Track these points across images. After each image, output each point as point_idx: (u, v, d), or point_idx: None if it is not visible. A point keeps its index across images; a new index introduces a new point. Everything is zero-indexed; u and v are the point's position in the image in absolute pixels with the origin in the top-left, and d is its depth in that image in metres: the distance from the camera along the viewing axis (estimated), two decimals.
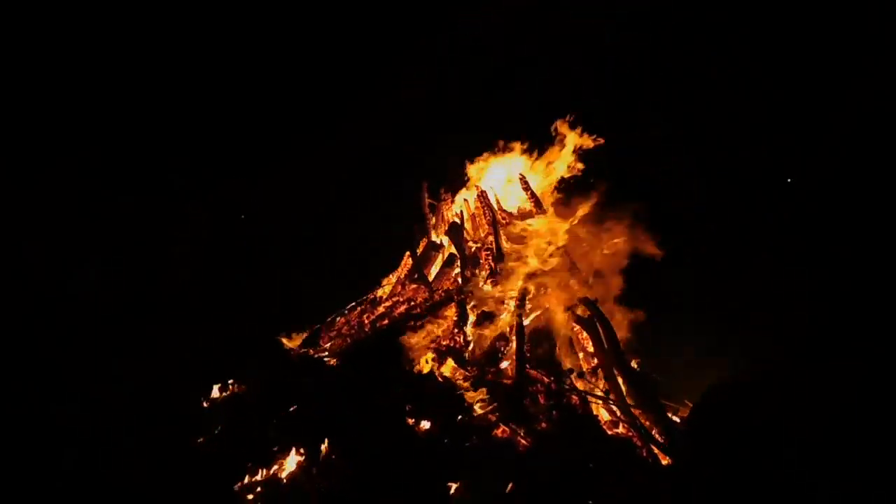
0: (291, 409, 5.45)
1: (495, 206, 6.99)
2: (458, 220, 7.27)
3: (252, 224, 9.93)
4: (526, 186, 6.89)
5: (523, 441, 4.91)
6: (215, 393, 6.11)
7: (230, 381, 6.24)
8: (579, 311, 5.93)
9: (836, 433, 3.47)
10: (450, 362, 5.73)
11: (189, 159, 10.16)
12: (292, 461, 5.12)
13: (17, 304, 7.55)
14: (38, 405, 5.98)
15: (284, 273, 8.79)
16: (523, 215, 6.89)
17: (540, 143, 7.26)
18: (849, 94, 8.55)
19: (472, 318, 6.16)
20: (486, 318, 6.06)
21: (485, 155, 7.55)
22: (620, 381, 5.48)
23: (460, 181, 7.56)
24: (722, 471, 3.06)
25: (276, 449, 5.17)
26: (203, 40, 10.13)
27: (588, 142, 6.78)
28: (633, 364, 5.88)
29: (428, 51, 10.36)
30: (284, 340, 6.91)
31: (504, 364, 5.81)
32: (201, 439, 5.53)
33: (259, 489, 4.92)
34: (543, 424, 5.00)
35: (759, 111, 8.99)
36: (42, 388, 6.32)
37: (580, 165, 6.92)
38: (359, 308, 7.20)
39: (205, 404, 6.04)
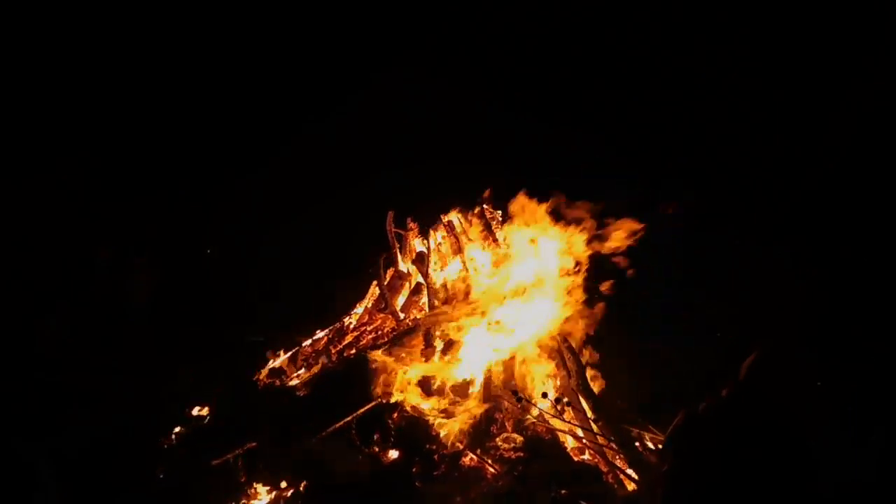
0: (257, 441, 5.47)
1: (461, 234, 7.01)
2: (424, 250, 7.30)
3: (215, 252, 9.88)
4: (482, 216, 6.93)
5: (491, 468, 4.97)
6: (177, 427, 6.16)
7: (195, 412, 6.30)
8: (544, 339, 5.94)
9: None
10: (416, 391, 5.78)
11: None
12: (260, 492, 5.18)
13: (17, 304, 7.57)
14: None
15: (247, 298, 8.77)
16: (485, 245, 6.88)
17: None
18: (849, 94, 8.55)
19: (439, 346, 6.17)
20: (452, 347, 6.06)
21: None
22: (586, 406, 5.50)
23: (427, 210, 7.56)
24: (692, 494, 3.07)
25: (243, 481, 5.23)
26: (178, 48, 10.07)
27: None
28: (596, 389, 5.89)
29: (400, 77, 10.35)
30: (255, 373, 6.92)
31: (471, 391, 5.85)
32: (163, 475, 5.56)
33: None
34: (510, 451, 5.05)
35: (759, 111, 8.99)
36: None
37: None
38: (325, 338, 7.24)
39: (171, 437, 6.08)
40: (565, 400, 5.52)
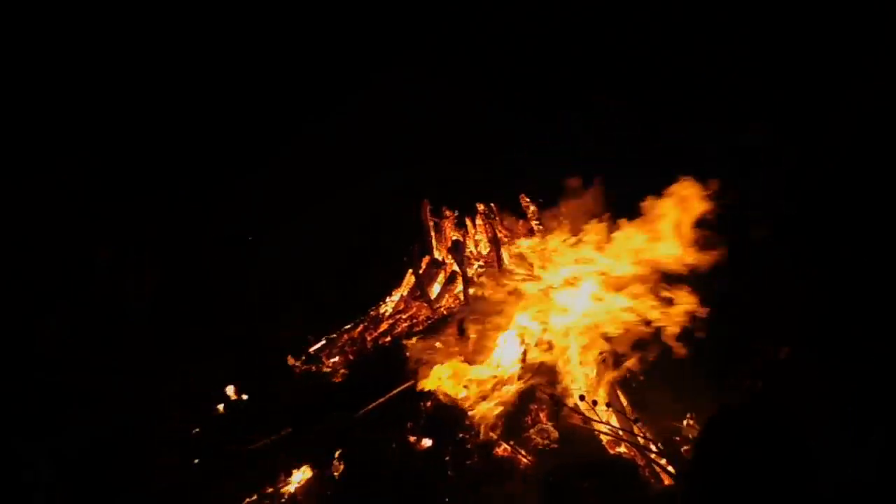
0: (292, 427, 5.53)
1: (497, 224, 7.05)
2: (459, 238, 7.34)
3: (253, 239, 9.88)
4: (527, 205, 6.94)
5: (524, 459, 4.98)
6: (219, 408, 6.20)
7: (232, 397, 6.33)
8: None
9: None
10: (450, 380, 5.78)
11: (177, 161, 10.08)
12: (296, 477, 5.20)
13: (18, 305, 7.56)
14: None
15: (283, 287, 8.78)
16: (526, 234, 6.92)
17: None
18: (849, 94, 8.55)
19: (472, 336, 6.17)
20: (487, 336, 6.09)
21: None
22: (623, 399, 5.53)
23: (462, 198, 7.61)
24: (726, 490, 3.07)
25: (278, 465, 5.26)
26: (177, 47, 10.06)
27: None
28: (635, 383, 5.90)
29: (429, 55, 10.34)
30: (289, 359, 6.98)
31: (505, 381, 5.84)
32: (198, 460, 5.59)
33: None
34: (544, 443, 5.08)
35: (760, 111, 8.98)
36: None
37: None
38: (361, 325, 7.28)
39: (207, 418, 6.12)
40: (602, 390, 5.56)
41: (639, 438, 5.36)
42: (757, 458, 3.10)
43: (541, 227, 6.90)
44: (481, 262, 7.12)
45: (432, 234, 7.67)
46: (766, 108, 8.95)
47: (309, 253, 9.12)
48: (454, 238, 7.56)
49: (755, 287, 7.75)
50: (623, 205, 6.48)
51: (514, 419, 5.42)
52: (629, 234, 6.19)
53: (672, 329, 5.80)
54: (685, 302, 5.84)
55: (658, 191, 6.39)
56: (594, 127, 9.33)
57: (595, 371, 5.86)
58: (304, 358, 7.01)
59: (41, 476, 5.25)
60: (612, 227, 6.33)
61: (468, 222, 7.49)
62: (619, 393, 5.64)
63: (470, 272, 7.03)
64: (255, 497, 5.10)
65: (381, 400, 5.54)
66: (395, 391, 5.60)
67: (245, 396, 6.46)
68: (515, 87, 10.39)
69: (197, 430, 6.12)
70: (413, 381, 5.71)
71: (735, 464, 3.17)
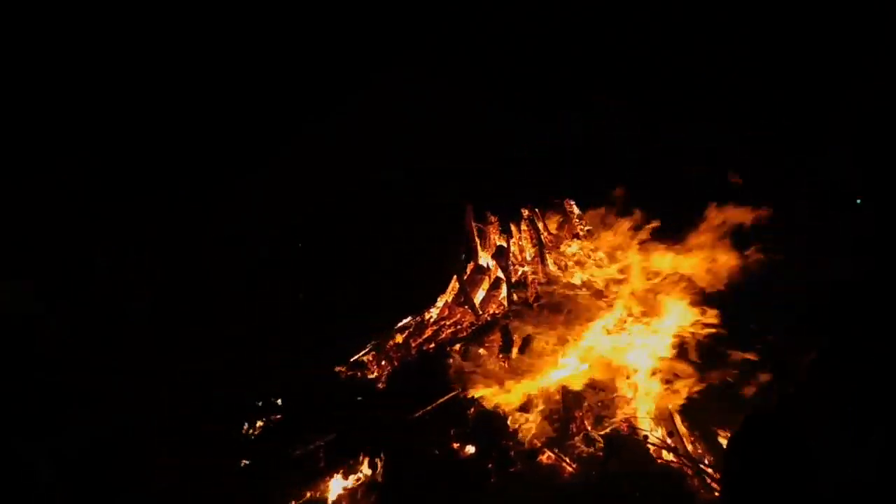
0: (338, 431, 5.52)
1: (541, 229, 6.93)
2: (503, 244, 7.24)
3: (300, 245, 9.84)
4: (572, 210, 6.81)
5: (569, 467, 4.93)
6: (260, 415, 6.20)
7: (277, 402, 6.31)
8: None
9: None
10: (494, 386, 5.72)
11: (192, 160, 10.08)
12: (337, 483, 5.19)
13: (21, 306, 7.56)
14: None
15: (328, 292, 8.76)
16: (573, 238, 6.80)
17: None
18: (850, 94, 8.55)
19: (517, 343, 6.16)
20: (531, 343, 6.02)
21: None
22: (671, 407, 5.46)
23: (506, 204, 7.53)
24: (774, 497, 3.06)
25: (322, 469, 5.25)
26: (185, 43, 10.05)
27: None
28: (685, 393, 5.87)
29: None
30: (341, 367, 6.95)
31: (550, 388, 5.80)
32: (246, 461, 5.60)
33: None
34: (589, 450, 5.02)
35: (760, 111, 8.98)
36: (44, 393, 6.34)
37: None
38: (406, 331, 7.24)
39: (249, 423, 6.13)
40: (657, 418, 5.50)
41: (687, 447, 5.31)
42: (756, 459, 3.10)
43: (588, 231, 6.80)
44: (526, 268, 7.01)
45: (476, 239, 7.57)
46: (765, 108, 8.96)
47: (354, 258, 9.12)
48: (498, 244, 7.47)
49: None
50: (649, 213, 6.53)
51: (560, 427, 5.35)
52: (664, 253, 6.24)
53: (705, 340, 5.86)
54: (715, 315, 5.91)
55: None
56: (594, 127, 9.34)
57: (652, 388, 5.82)
58: (349, 364, 6.97)
59: (41, 476, 5.24)
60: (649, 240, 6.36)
61: (512, 227, 7.37)
62: (669, 406, 5.56)
63: (514, 278, 6.93)
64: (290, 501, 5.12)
65: (428, 409, 5.47)
66: (441, 400, 5.53)
67: (282, 402, 6.42)
68: (515, 87, 10.39)
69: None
70: (458, 390, 5.65)
71: (763, 473, 3.17)
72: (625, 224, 6.56)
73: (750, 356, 6.09)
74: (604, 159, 8.95)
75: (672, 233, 6.33)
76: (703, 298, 6.04)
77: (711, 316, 5.93)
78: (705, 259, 6.18)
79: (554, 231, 7.07)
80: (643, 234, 6.45)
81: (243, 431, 6.14)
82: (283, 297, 8.78)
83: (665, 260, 6.26)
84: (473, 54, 10.49)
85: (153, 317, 8.11)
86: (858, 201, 8.24)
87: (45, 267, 8.18)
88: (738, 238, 6.48)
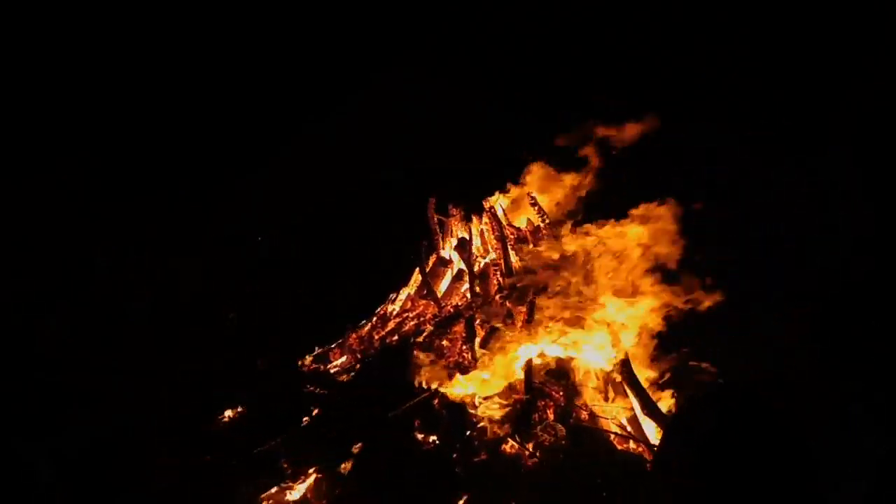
0: (302, 424, 5.52)
1: (504, 222, 6.95)
2: (465, 236, 7.28)
3: (263, 240, 9.85)
4: (534, 202, 6.83)
5: (532, 457, 4.96)
6: (227, 412, 6.18)
7: (241, 398, 6.31)
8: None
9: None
10: (457, 378, 5.75)
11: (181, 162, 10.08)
12: (304, 478, 5.18)
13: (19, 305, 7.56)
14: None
15: (288, 287, 8.76)
16: (533, 233, 6.82)
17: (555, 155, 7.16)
18: (850, 95, 8.54)
19: (480, 334, 6.16)
20: (494, 335, 6.02)
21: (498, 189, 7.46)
22: (631, 394, 5.49)
23: (469, 197, 7.56)
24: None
25: (286, 464, 5.24)
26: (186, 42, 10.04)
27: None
28: (643, 379, 5.88)
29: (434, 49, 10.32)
30: (304, 360, 6.96)
31: (512, 379, 5.79)
32: (208, 456, 5.59)
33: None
34: (551, 439, 5.05)
35: (761, 111, 8.98)
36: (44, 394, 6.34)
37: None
38: (368, 324, 7.25)
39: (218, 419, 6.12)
40: (609, 386, 5.54)
41: (646, 434, 5.35)
42: (755, 458, 3.10)
43: (548, 224, 6.81)
44: (487, 260, 7.04)
45: (438, 231, 7.59)
46: (765, 108, 8.95)
47: (315, 252, 9.13)
48: (460, 236, 7.49)
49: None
50: (625, 203, 6.53)
51: (521, 417, 5.36)
52: (634, 233, 6.21)
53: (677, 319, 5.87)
54: (686, 294, 5.89)
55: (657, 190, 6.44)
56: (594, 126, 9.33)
57: (609, 368, 5.83)
58: (312, 357, 6.98)
59: (41, 476, 5.24)
60: (617, 225, 6.35)
61: (474, 220, 7.40)
62: (628, 389, 5.59)
63: (476, 269, 6.95)
64: (258, 497, 5.11)
65: (404, 407, 5.49)
66: (416, 400, 5.55)
67: (249, 397, 6.44)
68: (515, 87, 10.39)
69: (197, 429, 6.12)
70: (430, 389, 5.68)
71: (763, 473, 3.15)
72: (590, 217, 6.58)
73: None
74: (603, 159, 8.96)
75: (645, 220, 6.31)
76: (677, 287, 6.05)
77: (679, 302, 5.94)
78: (666, 235, 6.19)
79: (517, 224, 7.09)
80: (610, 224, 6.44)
81: (233, 427, 6.14)
82: (283, 297, 8.79)
83: (629, 241, 6.26)
84: (473, 54, 10.48)
85: (153, 317, 8.10)
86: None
87: (46, 267, 8.17)
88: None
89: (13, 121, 9.02)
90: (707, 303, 5.88)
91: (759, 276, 7.85)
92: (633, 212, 6.35)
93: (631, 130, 6.85)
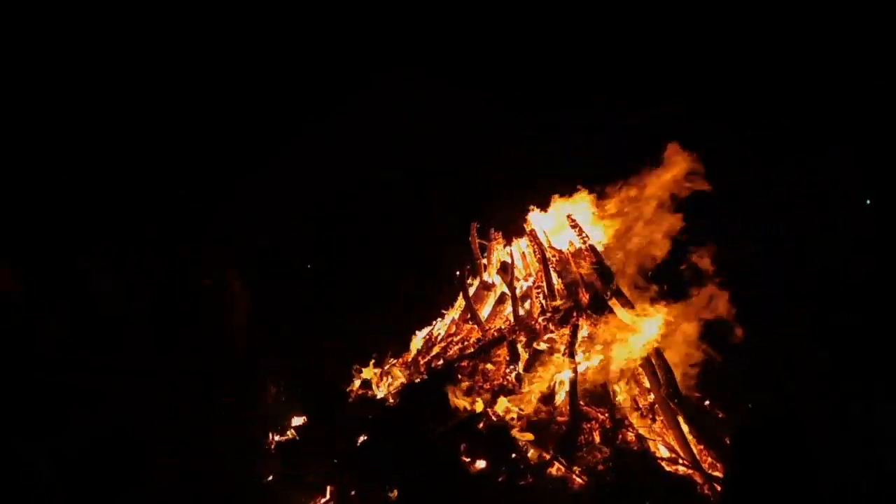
0: (349, 447, 5.53)
1: (545, 244, 6.94)
2: (508, 259, 7.27)
3: (308, 269, 9.82)
4: (574, 224, 6.81)
5: (578, 479, 4.93)
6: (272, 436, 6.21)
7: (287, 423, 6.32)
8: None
9: None
10: (502, 401, 5.73)
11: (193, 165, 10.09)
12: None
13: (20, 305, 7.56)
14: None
15: (331, 312, 8.76)
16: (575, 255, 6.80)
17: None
18: (851, 95, 8.55)
19: (523, 356, 6.14)
20: (538, 357, 5.98)
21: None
22: (679, 417, 5.45)
23: (510, 220, 7.56)
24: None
25: (331, 488, 5.26)
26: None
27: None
28: (694, 399, 5.84)
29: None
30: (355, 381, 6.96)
31: (557, 401, 5.77)
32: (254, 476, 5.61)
33: None
34: (598, 461, 5.02)
35: (762, 112, 8.99)
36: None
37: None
38: (416, 349, 7.27)
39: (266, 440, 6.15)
40: (657, 409, 5.50)
41: (695, 455, 5.30)
42: (757, 458, 3.10)
43: (589, 245, 6.80)
44: (530, 283, 7.04)
45: (480, 256, 7.62)
46: (765, 108, 8.96)
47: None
48: (503, 259, 7.51)
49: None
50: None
51: (567, 439, 5.32)
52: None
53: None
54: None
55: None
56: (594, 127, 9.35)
57: (655, 387, 5.78)
58: (358, 382, 6.97)
59: (41, 476, 5.24)
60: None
61: (516, 242, 7.41)
62: (675, 409, 5.54)
63: (519, 293, 6.96)
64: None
65: (446, 427, 5.47)
66: (460, 422, 5.54)
67: (298, 422, 6.45)
68: (515, 87, 10.40)
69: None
70: (475, 412, 5.64)
71: (763, 474, 3.17)
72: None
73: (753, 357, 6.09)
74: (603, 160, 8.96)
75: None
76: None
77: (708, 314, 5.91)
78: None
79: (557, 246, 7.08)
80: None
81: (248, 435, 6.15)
82: (284, 297, 8.79)
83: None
84: (473, 54, 10.49)
85: (153, 317, 8.10)
86: (868, 202, 8.25)
87: (45, 267, 8.17)
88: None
89: (13, 121, 9.03)
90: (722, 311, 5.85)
91: (759, 276, 7.85)
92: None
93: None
